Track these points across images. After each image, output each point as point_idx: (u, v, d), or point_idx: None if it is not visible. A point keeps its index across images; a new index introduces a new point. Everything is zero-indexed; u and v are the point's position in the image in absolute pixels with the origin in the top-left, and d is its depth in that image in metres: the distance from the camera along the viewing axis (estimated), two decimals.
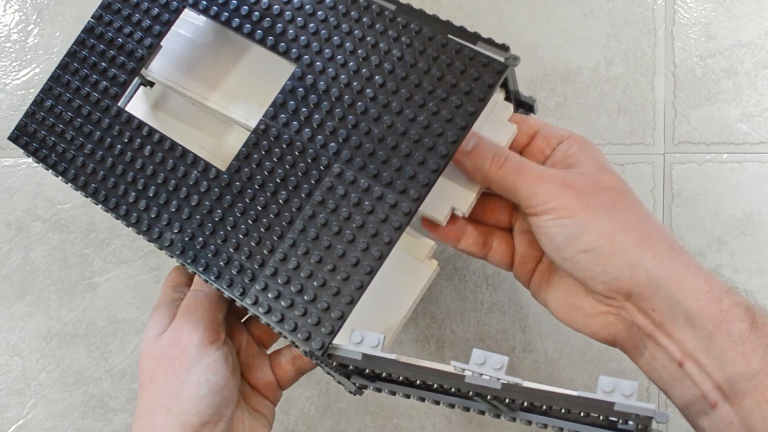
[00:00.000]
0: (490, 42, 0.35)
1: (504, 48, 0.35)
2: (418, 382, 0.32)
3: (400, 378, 0.33)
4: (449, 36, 0.36)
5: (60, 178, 0.41)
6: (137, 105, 0.46)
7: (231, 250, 0.36)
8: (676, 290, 0.33)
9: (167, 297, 0.42)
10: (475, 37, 0.36)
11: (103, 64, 0.42)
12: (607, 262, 0.35)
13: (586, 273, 0.35)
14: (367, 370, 0.33)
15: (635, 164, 0.51)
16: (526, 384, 0.30)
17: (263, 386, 0.42)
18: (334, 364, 0.33)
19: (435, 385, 0.32)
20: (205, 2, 0.40)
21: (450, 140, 0.34)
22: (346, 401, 0.54)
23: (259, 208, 0.36)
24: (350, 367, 0.33)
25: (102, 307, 0.56)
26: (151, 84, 0.46)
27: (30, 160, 0.56)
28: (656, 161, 0.51)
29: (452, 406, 0.33)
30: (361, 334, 0.33)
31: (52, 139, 0.42)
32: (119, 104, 0.41)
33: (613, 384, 0.29)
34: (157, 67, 0.44)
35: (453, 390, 0.31)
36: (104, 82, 0.41)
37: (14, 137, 0.43)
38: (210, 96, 0.44)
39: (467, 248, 0.41)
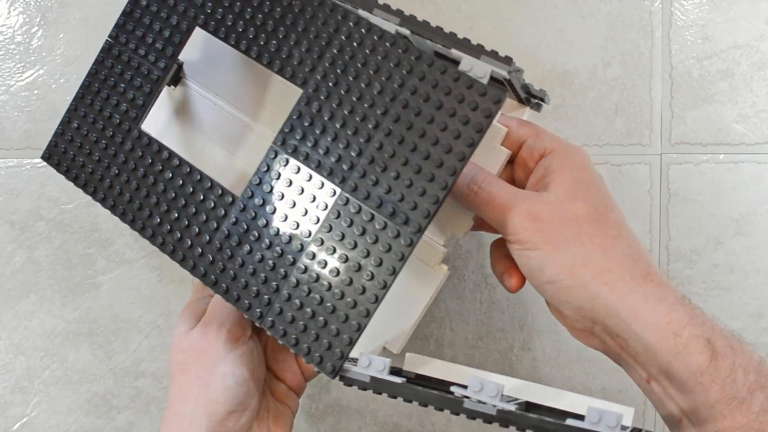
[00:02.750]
0: (494, 55, 0.36)
1: (507, 61, 0.35)
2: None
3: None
4: (447, 63, 0.37)
5: (92, 198, 0.43)
6: (160, 105, 0.47)
7: (248, 274, 0.39)
8: (634, 323, 0.35)
9: (199, 294, 0.46)
10: (478, 50, 0.36)
11: (122, 85, 0.44)
12: (568, 293, 0.37)
13: (554, 300, 0.38)
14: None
15: (632, 165, 0.52)
16: (520, 411, 0.34)
17: (289, 378, 0.46)
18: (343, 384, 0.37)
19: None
20: (214, 23, 0.41)
21: (449, 172, 0.36)
22: (347, 399, 0.55)
23: (271, 233, 0.39)
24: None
25: (105, 306, 0.56)
26: (175, 84, 0.47)
27: (34, 160, 0.57)
28: (653, 162, 0.52)
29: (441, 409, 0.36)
30: (369, 359, 0.36)
31: (81, 159, 0.44)
32: (141, 126, 0.42)
33: (599, 415, 0.32)
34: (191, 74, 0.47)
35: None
36: (124, 104, 0.43)
37: (46, 157, 0.45)
38: (240, 107, 0.46)
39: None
